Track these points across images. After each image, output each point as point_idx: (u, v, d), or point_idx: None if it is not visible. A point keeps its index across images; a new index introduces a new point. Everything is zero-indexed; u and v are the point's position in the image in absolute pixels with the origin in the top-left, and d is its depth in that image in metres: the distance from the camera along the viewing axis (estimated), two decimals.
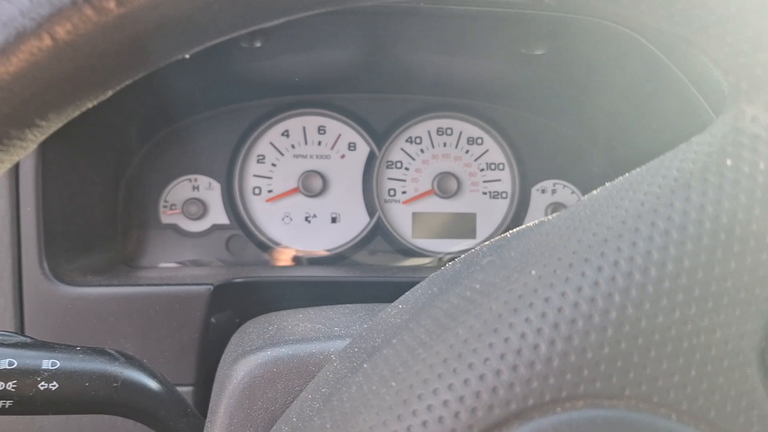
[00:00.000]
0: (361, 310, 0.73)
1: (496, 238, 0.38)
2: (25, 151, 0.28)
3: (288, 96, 0.96)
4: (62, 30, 0.24)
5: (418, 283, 0.39)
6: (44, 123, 0.27)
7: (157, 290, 0.74)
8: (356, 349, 0.39)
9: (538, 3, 0.78)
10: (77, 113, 0.28)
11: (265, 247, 0.95)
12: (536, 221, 0.35)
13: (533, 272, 0.27)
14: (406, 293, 0.41)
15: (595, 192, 0.30)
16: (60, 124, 0.28)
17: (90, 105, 0.28)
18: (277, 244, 0.95)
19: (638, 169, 0.30)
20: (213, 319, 0.79)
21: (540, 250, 0.28)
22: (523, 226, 0.37)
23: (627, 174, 0.30)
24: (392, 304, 0.41)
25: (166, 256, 0.93)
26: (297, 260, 0.95)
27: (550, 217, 0.32)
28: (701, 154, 0.28)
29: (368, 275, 0.84)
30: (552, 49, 0.78)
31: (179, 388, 0.75)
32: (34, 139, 0.28)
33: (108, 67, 0.26)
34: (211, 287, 0.75)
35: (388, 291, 0.86)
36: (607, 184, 0.30)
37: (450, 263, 0.39)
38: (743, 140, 0.27)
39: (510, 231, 0.38)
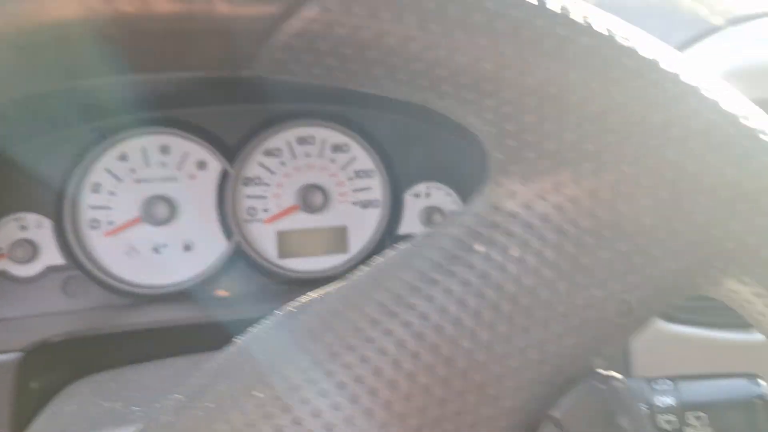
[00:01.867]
0: (185, 367, 0.64)
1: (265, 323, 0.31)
2: None
3: (122, 115, 0.86)
4: None
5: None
6: None
7: None
8: None
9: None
10: None
11: (109, 286, 0.84)
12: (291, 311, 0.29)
13: (256, 394, 0.24)
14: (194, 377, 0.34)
15: (338, 285, 0.27)
16: None
17: None
18: (123, 281, 0.84)
19: (391, 256, 0.26)
20: (35, 384, 0.68)
21: (270, 368, 0.25)
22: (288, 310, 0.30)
23: (380, 260, 0.26)
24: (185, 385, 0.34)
25: None
26: (146, 298, 0.85)
27: (293, 309, 0.28)
28: (451, 239, 0.24)
29: (207, 315, 0.75)
30: None
31: None
32: None
33: None
34: (21, 354, 0.65)
35: (236, 330, 0.77)
36: (356, 273, 0.26)
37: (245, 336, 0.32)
38: (498, 220, 0.24)
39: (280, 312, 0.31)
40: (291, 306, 0.30)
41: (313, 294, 0.29)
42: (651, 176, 0.23)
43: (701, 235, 0.24)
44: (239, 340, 0.33)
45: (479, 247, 0.23)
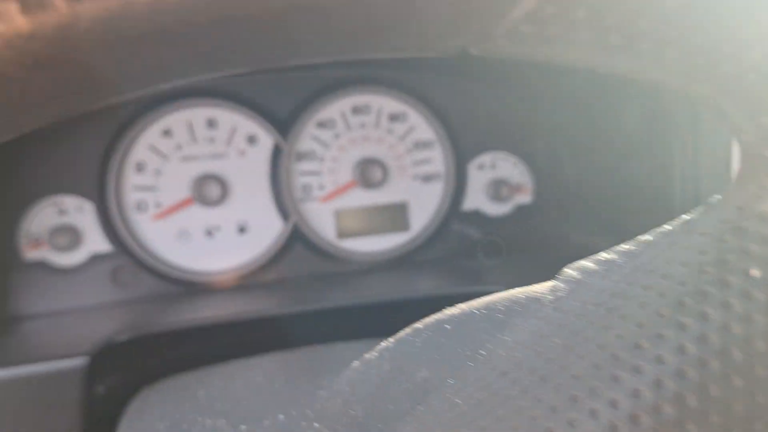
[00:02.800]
0: (272, 368, 0.60)
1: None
2: None
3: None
4: None
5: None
6: None
7: (17, 373, 0.57)
8: None
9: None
10: None
11: (161, 274, 0.78)
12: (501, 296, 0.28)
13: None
14: (348, 372, 0.31)
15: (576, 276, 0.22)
16: None
17: None
18: (176, 268, 0.79)
19: (644, 248, 0.21)
20: (101, 389, 0.63)
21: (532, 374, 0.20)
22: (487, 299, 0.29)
23: (629, 251, 0.22)
24: (334, 386, 0.31)
25: (37, 303, 0.75)
26: (200, 285, 0.79)
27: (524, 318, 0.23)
28: (706, 256, 0.20)
29: (291, 306, 0.70)
30: None
31: None
32: None
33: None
34: (88, 358, 0.60)
35: (317, 322, 0.73)
36: (600, 258, 0.22)
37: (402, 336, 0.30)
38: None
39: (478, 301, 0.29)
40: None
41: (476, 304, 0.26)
42: None
43: None
44: (373, 357, 0.29)
45: (755, 272, 0.18)
